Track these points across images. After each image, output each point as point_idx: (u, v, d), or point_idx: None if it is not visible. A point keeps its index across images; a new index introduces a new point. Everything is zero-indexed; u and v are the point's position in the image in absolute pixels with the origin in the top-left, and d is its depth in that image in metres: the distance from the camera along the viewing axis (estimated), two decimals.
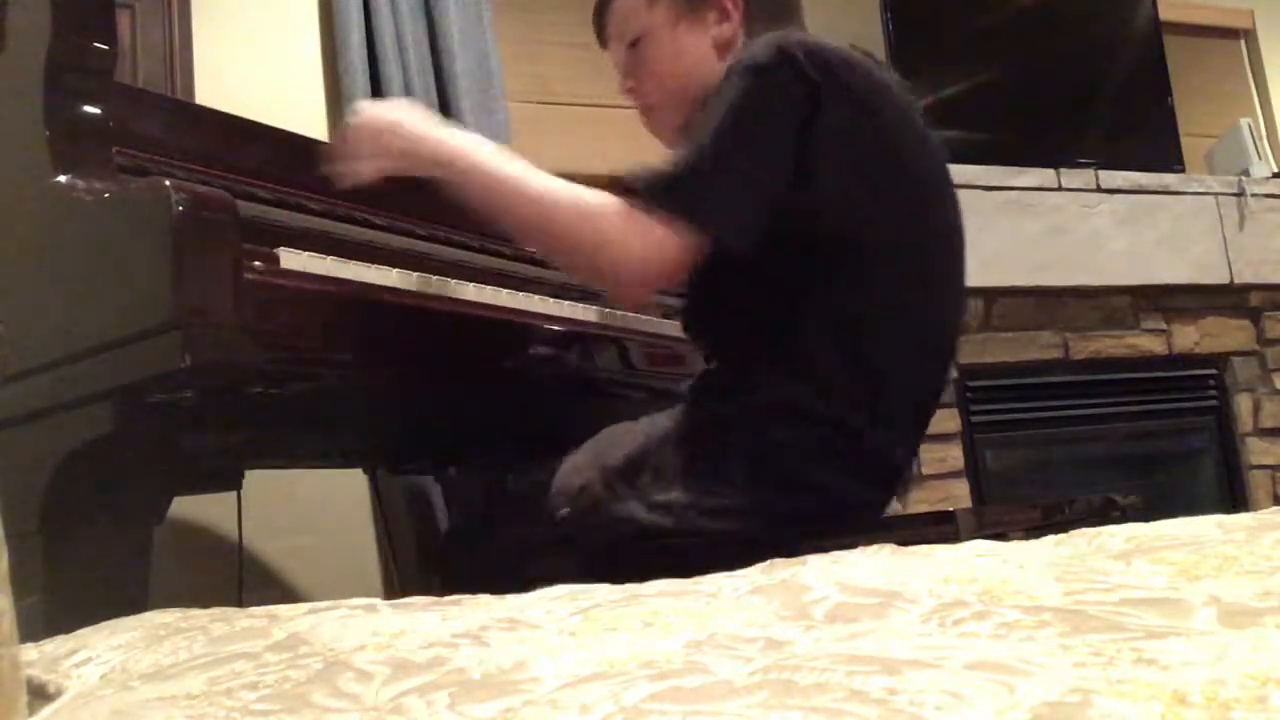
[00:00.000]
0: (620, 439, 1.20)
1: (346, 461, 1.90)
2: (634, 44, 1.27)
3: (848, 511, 1.14)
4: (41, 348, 1.06)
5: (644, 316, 1.55)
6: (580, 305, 1.46)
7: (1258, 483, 3.00)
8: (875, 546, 0.66)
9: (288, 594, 2.09)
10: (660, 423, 1.19)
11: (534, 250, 1.24)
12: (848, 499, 1.13)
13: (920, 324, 1.17)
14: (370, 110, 1.16)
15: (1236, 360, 3.05)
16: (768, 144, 1.07)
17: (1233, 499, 2.97)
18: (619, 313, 1.52)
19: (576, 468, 1.20)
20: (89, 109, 1.14)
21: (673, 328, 1.57)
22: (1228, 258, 3.03)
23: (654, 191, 1.04)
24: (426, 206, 1.54)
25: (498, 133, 2.44)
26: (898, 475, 1.21)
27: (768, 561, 0.63)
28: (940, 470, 2.60)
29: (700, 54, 1.21)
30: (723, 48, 1.21)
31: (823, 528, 1.10)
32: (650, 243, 1.03)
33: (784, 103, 1.07)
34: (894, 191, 1.13)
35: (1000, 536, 0.76)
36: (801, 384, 1.11)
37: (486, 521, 1.35)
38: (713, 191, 1.04)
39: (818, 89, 1.07)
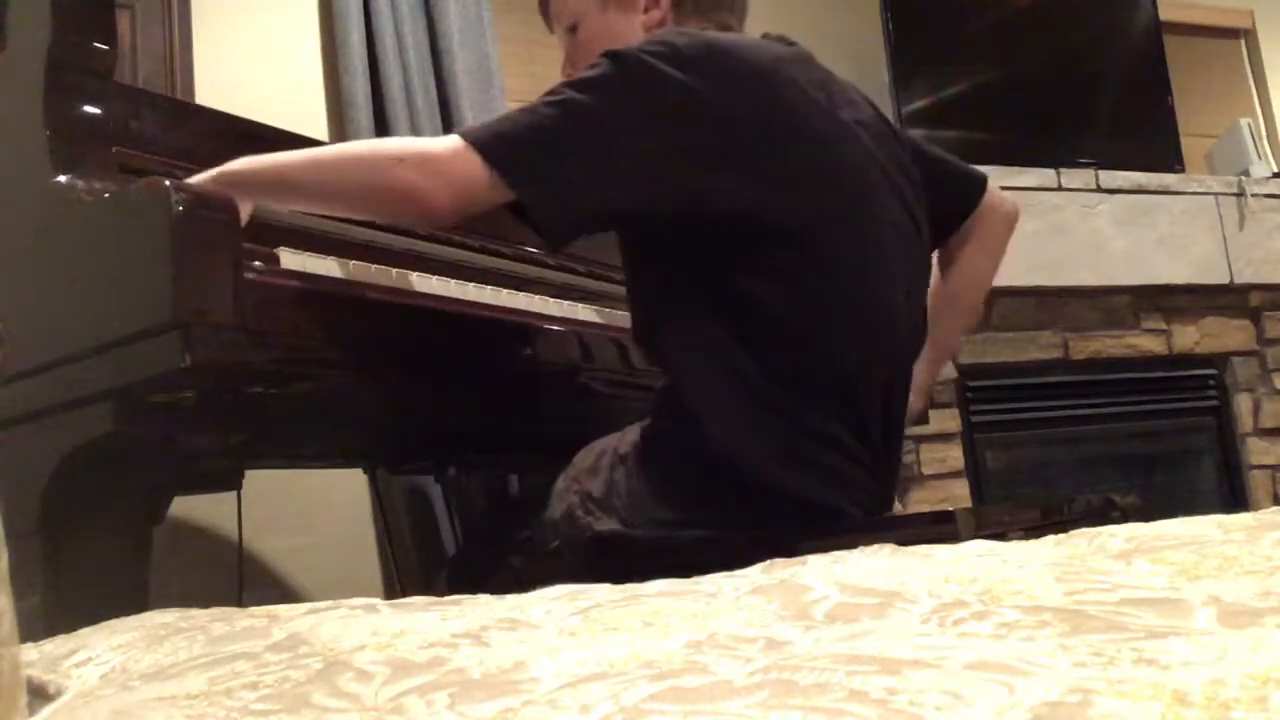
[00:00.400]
0: (595, 462, 1.20)
1: (346, 461, 1.90)
2: (572, 29, 1.30)
3: (815, 513, 1.11)
4: (41, 348, 1.06)
5: None
6: (580, 305, 1.46)
7: (1258, 483, 3.00)
8: (875, 546, 0.66)
9: (288, 594, 2.09)
10: (629, 439, 1.19)
11: (333, 209, 1.20)
12: (812, 499, 1.11)
13: (837, 308, 1.13)
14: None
15: (1236, 360, 3.05)
16: (614, 145, 1.05)
17: (1233, 499, 2.97)
18: (619, 313, 1.52)
19: (559, 494, 1.21)
20: (89, 109, 1.14)
21: None
22: (1228, 258, 3.03)
23: (486, 141, 1.02)
24: None
25: None
26: (855, 474, 1.15)
27: (767, 561, 0.63)
28: (940, 470, 2.60)
29: (630, 38, 1.20)
30: (651, 31, 1.22)
31: (796, 531, 1.09)
32: (458, 165, 1.01)
33: (644, 102, 1.06)
34: (782, 177, 1.10)
35: (1000, 536, 0.76)
36: (737, 383, 1.10)
37: (492, 548, 1.33)
38: (553, 176, 1.03)
39: (684, 85, 1.06)
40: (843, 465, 1.13)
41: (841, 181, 1.16)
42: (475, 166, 1.01)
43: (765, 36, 1.27)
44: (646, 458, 1.15)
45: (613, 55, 1.07)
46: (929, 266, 1.38)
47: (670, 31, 1.15)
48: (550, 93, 1.07)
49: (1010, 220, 1.55)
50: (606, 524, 1.14)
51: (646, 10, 1.25)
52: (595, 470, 1.19)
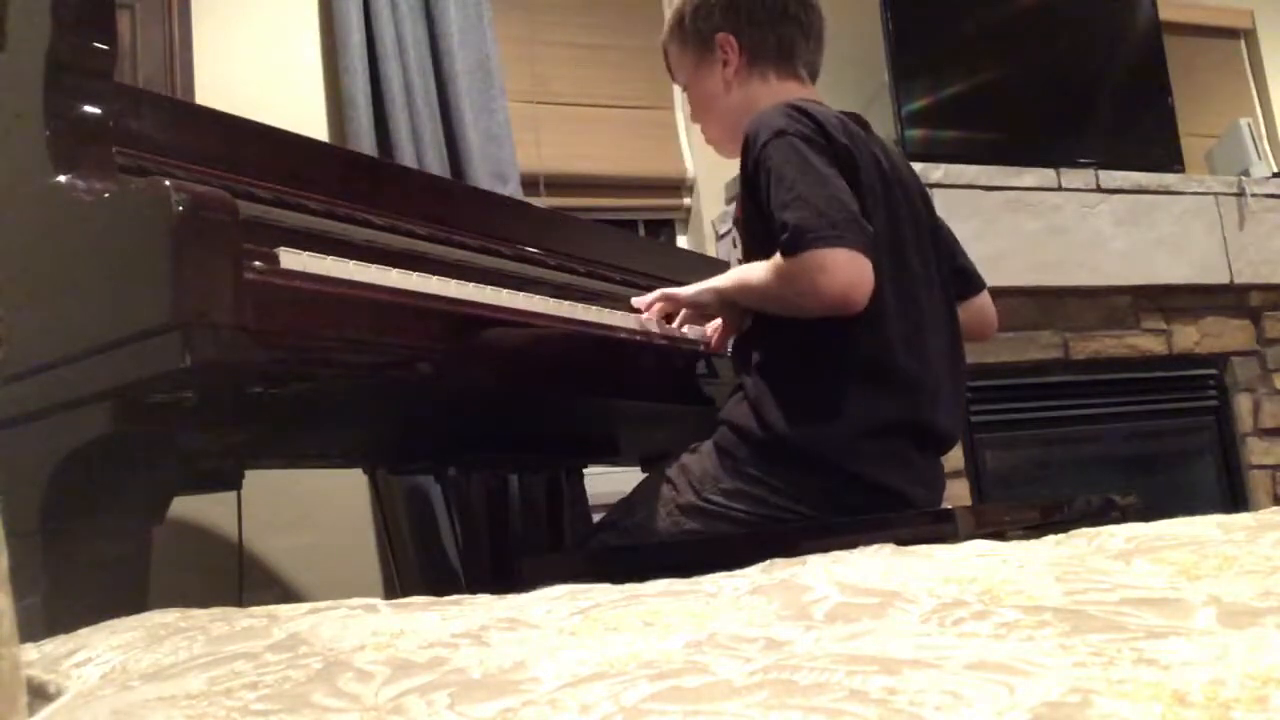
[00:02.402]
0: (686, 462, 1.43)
1: (346, 461, 1.90)
2: (685, 86, 1.62)
3: (886, 496, 1.34)
4: (41, 348, 1.06)
5: (643, 317, 1.55)
6: (580, 305, 1.46)
7: (1258, 483, 3.00)
8: (875, 546, 0.66)
9: (288, 594, 2.09)
10: (703, 450, 1.42)
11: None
12: (885, 483, 1.34)
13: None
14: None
15: (1236, 360, 3.05)
16: (827, 174, 1.31)
17: (1233, 499, 2.97)
18: (619, 313, 1.52)
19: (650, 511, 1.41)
20: (89, 109, 1.13)
21: (672, 330, 1.56)
22: (1228, 258, 3.03)
23: (801, 239, 1.26)
24: (426, 207, 1.54)
25: (498, 133, 2.44)
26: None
27: (767, 561, 0.63)
28: None
29: (719, 88, 1.55)
30: (730, 83, 1.54)
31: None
32: (839, 263, 1.25)
33: (812, 146, 1.33)
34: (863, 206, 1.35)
35: (1000, 536, 0.76)
36: (820, 379, 1.36)
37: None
38: (830, 217, 1.27)
39: (824, 134, 1.36)
40: (909, 452, 1.37)
41: (897, 222, 1.44)
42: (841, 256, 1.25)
43: (842, 113, 1.52)
44: (732, 458, 1.36)
45: (776, 134, 1.35)
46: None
47: (782, 111, 1.39)
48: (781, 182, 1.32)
49: (989, 329, 1.77)
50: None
51: (725, 65, 1.54)
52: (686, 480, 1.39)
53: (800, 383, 1.36)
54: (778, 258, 1.31)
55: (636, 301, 1.57)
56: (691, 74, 1.58)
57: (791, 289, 1.30)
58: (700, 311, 1.54)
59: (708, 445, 1.41)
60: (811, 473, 1.33)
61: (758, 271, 1.37)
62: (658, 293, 1.57)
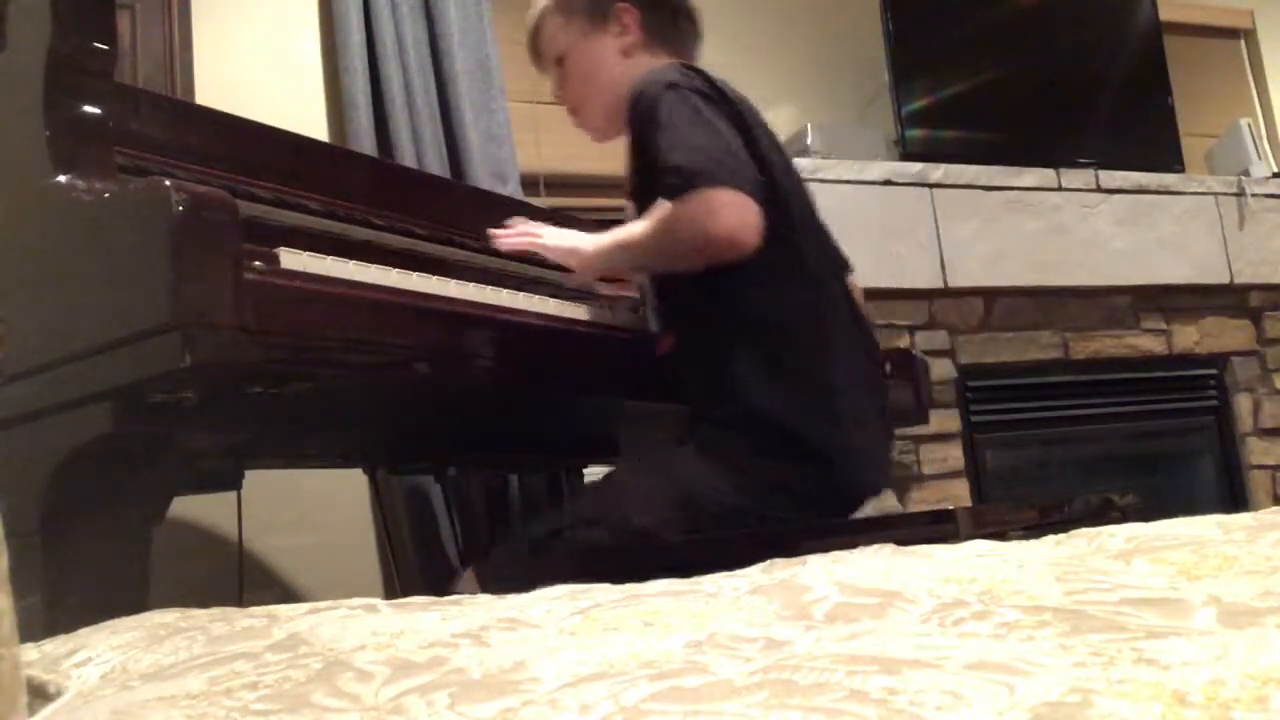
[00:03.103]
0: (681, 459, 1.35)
1: (346, 461, 1.90)
2: (559, 61, 1.54)
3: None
4: (41, 348, 1.06)
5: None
6: (580, 305, 1.46)
7: (1258, 483, 3.00)
8: (875, 546, 0.66)
9: (288, 594, 2.09)
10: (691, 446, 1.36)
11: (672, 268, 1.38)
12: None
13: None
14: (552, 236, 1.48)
15: (1236, 360, 3.05)
16: (720, 126, 1.27)
17: (1233, 499, 2.97)
18: (620, 314, 1.52)
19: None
20: (89, 109, 1.13)
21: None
22: (1228, 258, 3.03)
23: (688, 180, 1.21)
24: (426, 206, 1.54)
25: (497, 133, 2.44)
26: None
27: (767, 561, 0.63)
28: (940, 470, 2.60)
29: (608, 59, 1.48)
30: (627, 53, 1.48)
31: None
32: (726, 202, 1.21)
33: (705, 100, 1.30)
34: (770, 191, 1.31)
35: (1000, 536, 0.76)
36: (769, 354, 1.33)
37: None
38: (719, 160, 1.22)
39: (718, 92, 1.32)
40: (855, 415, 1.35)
41: (803, 196, 1.43)
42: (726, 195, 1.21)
43: None
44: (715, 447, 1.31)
45: (668, 86, 1.30)
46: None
47: (675, 68, 1.35)
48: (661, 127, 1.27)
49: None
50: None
51: (618, 35, 1.48)
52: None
53: (774, 357, 1.31)
54: (660, 205, 1.25)
55: (496, 233, 1.50)
56: (576, 44, 1.50)
57: (675, 235, 1.24)
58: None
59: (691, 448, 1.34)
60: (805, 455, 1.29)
61: (637, 227, 1.31)
62: (522, 229, 1.50)
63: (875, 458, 1.42)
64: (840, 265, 1.53)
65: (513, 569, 1.34)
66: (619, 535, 1.29)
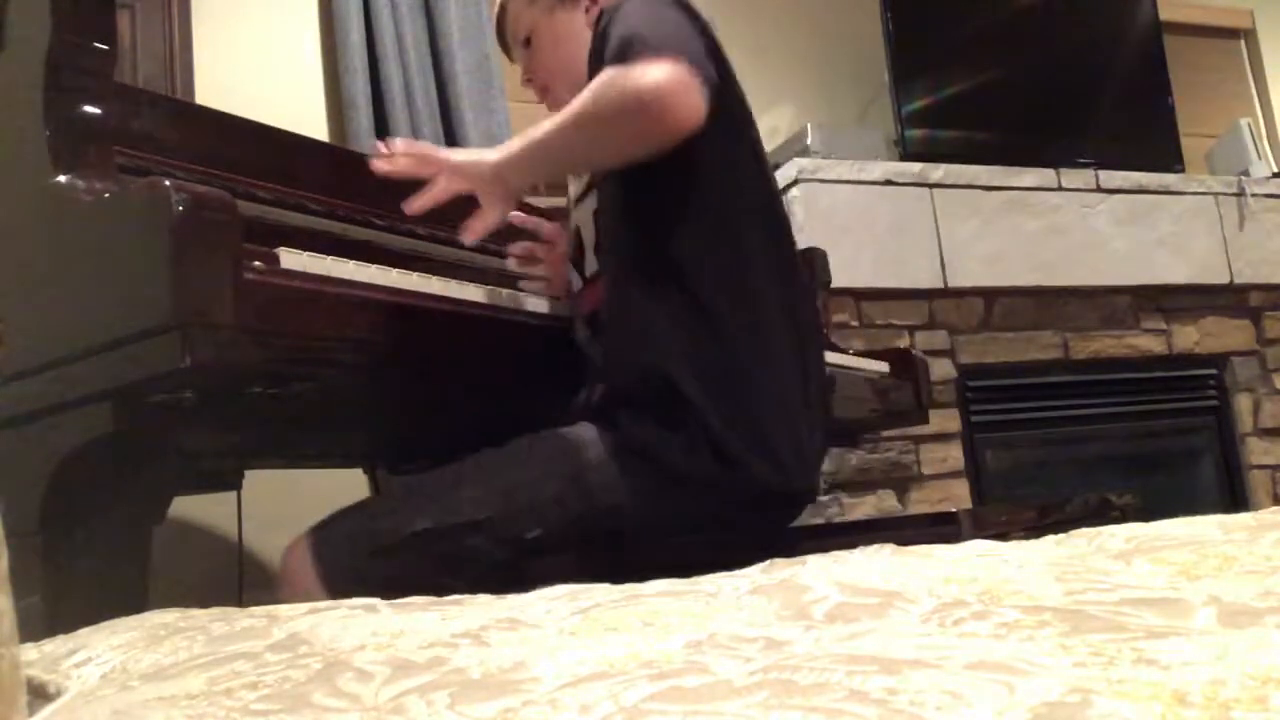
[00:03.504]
0: (562, 450, 1.17)
1: (346, 461, 1.90)
2: (526, 42, 1.42)
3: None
4: (41, 348, 1.06)
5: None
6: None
7: (1258, 483, 3.00)
8: (875, 546, 0.66)
9: None
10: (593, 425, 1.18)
11: (615, 160, 1.22)
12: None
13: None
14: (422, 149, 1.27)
15: (1236, 360, 3.05)
16: (689, 29, 1.17)
17: (1233, 499, 2.97)
18: None
19: (526, 483, 1.15)
20: (89, 109, 1.13)
21: None
22: (1228, 258, 3.03)
23: (627, 50, 1.10)
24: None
25: (498, 132, 2.44)
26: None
27: (768, 561, 0.63)
28: (940, 470, 2.60)
29: (577, 32, 1.35)
30: (595, 26, 1.30)
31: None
32: (668, 72, 1.08)
33: (680, 10, 1.18)
34: (748, 147, 1.23)
35: (1000, 536, 0.76)
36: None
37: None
38: (671, 38, 1.12)
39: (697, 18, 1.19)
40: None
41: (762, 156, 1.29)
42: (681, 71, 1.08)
43: None
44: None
45: None
46: None
47: None
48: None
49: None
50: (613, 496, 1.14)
51: (587, 10, 1.37)
52: (569, 454, 1.16)
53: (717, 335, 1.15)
54: (597, 77, 1.12)
55: (380, 165, 1.24)
56: (543, 19, 1.39)
57: (601, 102, 1.10)
58: (478, 192, 1.23)
59: (609, 435, 1.16)
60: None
61: (556, 117, 1.15)
62: (416, 150, 1.25)
63: (810, 462, 1.25)
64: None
65: (352, 567, 1.14)
66: (497, 543, 1.12)
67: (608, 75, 1.10)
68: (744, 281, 1.18)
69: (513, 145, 1.20)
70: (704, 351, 1.14)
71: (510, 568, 1.11)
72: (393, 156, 1.23)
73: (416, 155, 1.23)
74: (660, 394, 1.14)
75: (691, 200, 1.18)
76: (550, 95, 1.42)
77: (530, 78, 1.45)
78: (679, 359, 1.14)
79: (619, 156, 1.17)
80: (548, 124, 1.16)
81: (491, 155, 1.21)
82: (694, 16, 1.19)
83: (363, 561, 1.13)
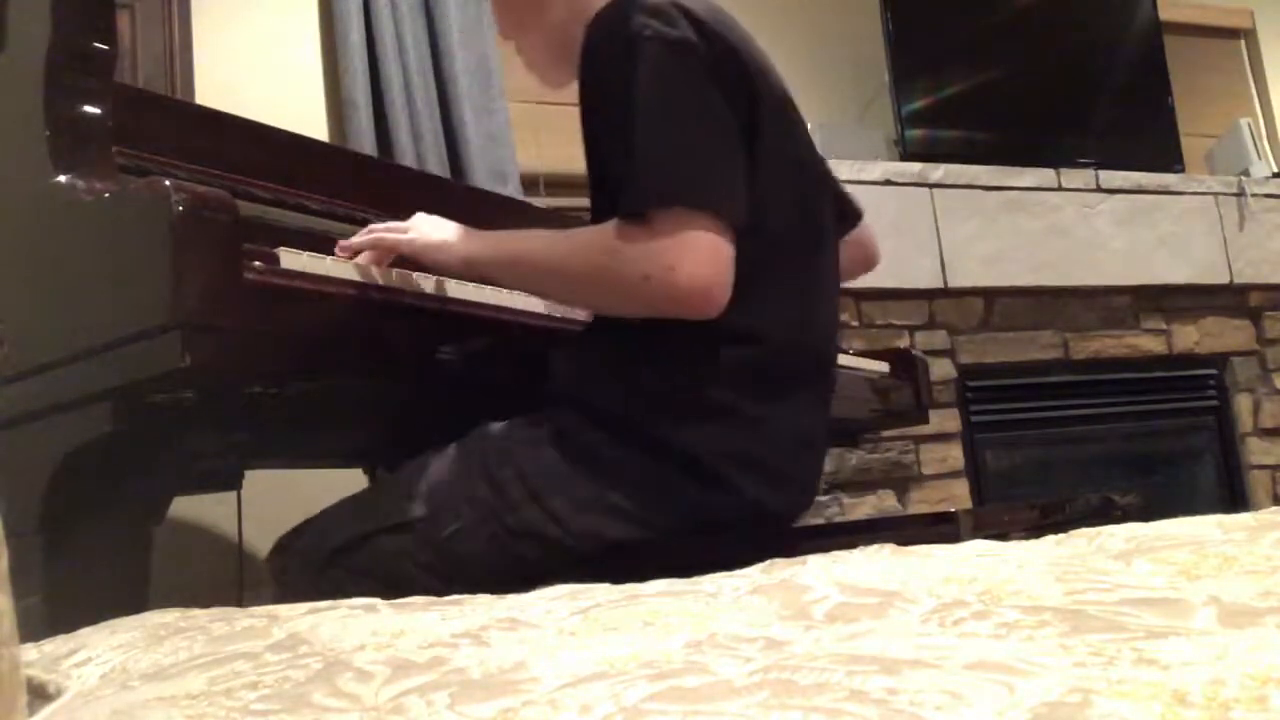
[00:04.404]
0: (500, 447, 1.12)
1: (346, 461, 1.90)
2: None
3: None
4: (41, 348, 1.06)
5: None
6: None
7: (1258, 483, 3.00)
8: (875, 546, 0.66)
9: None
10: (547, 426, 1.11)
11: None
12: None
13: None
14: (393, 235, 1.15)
15: (1236, 360, 3.05)
16: (711, 114, 1.00)
17: (1233, 499, 2.97)
18: None
19: (451, 482, 1.11)
20: (89, 109, 1.13)
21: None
22: (1228, 258, 3.03)
23: (643, 197, 0.95)
24: (426, 207, 1.54)
25: (498, 133, 2.44)
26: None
27: (768, 561, 0.63)
28: (940, 470, 2.60)
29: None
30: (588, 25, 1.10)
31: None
32: (685, 250, 0.93)
33: (686, 59, 0.99)
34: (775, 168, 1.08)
35: (1000, 536, 0.76)
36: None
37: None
38: (695, 168, 0.96)
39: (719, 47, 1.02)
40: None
41: (803, 172, 1.16)
42: (700, 226, 0.93)
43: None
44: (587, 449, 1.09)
45: (651, 37, 0.99)
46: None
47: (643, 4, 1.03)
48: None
49: (870, 263, 1.45)
50: (527, 514, 1.07)
51: None
52: (501, 457, 1.11)
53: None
54: (606, 227, 0.98)
55: (343, 245, 1.15)
56: None
57: (612, 274, 0.97)
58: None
59: (545, 431, 1.08)
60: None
61: (546, 241, 1.03)
62: (367, 235, 1.14)
63: (805, 484, 1.18)
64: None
65: (302, 578, 1.13)
66: (437, 554, 1.07)
67: (627, 251, 0.94)
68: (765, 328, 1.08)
69: (487, 244, 1.10)
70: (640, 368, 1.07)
71: (439, 570, 1.06)
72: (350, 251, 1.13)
73: (375, 246, 1.12)
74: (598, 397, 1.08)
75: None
76: (523, 55, 1.27)
77: (507, 33, 1.28)
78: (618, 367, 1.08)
79: (601, 311, 1.08)
80: (536, 243, 1.05)
81: (459, 245, 1.11)
82: (716, 51, 1.01)
83: (316, 572, 1.12)
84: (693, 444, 1.05)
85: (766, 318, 1.07)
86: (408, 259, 1.13)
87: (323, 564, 1.11)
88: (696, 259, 0.93)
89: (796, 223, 1.13)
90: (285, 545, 1.21)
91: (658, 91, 0.97)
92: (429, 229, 1.14)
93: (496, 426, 1.14)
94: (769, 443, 1.09)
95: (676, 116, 0.97)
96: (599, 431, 1.06)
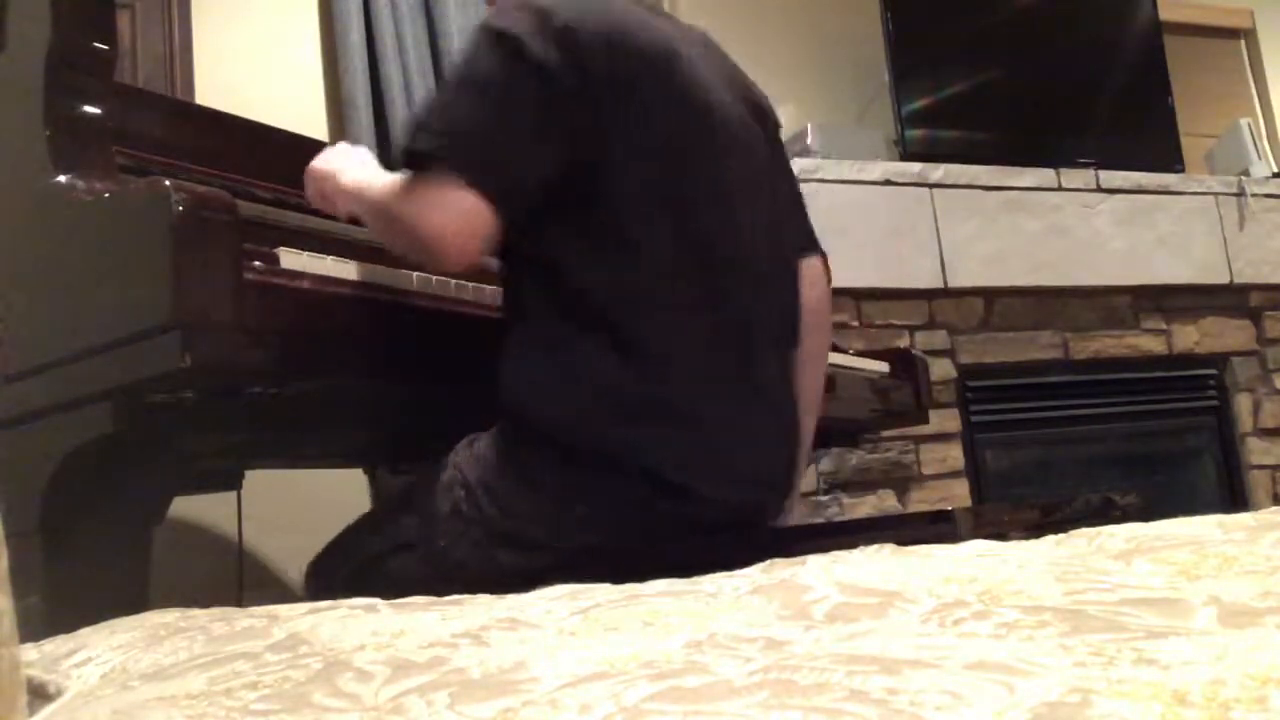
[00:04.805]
0: (466, 457, 1.16)
1: (346, 461, 1.90)
2: None
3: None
4: (41, 348, 1.06)
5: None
6: None
7: (1258, 483, 3.00)
8: (875, 546, 0.66)
9: (288, 594, 2.09)
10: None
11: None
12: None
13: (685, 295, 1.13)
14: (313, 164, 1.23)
15: (1236, 360, 3.05)
16: (519, 100, 1.06)
17: (1233, 499, 2.97)
18: None
19: (443, 488, 1.15)
20: (89, 109, 1.13)
21: None
22: (1228, 258, 3.03)
23: (423, 153, 1.04)
24: None
25: None
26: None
27: (768, 561, 0.63)
28: (940, 470, 2.60)
29: None
30: None
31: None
32: (436, 204, 1.02)
33: (520, 79, 1.06)
34: (640, 157, 1.11)
35: (1000, 536, 0.76)
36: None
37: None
38: (469, 138, 1.04)
39: (551, 65, 1.06)
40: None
41: (706, 155, 1.16)
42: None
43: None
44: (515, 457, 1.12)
45: (496, 32, 1.07)
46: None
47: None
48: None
49: (813, 298, 1.37)
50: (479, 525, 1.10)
51: None
52: (475, 462, 1.15)
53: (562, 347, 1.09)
54: (400, 176, 1.07)
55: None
56: None
57: (390, 221, 1.08)
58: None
59: (488, 437, 1.14)
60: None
61: (380, 185, 1.11)
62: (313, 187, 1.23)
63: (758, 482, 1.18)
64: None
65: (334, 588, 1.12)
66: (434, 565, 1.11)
67: (397, 199, 1.05)
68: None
69: (355, 177, 1.16)
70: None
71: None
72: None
73: (323, 199, 1.21)
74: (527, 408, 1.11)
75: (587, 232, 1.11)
76: None
77: None
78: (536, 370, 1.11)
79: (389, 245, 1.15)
80: (371, 188, 1.12)
81: (343, 175, 1.18)
82: (527, 61, 1.06)
83: (347, 592, 1.12)
84: (620, 448, 1.07)
85: (655, 323, 1.10)
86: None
87: (347, 584, 1.11)
88: (445, 215, 1.02)
89: (690, 239, 1.14)
90: (315, 569, 1.23)
91: (466, 69, 1.09)
92: (333, 158, 1.23)
93: (476, 435, 1.17)
94: (692, 442, 1.10)
95: (472, 92, 1.06)
96: (527, 444, 1.10)
